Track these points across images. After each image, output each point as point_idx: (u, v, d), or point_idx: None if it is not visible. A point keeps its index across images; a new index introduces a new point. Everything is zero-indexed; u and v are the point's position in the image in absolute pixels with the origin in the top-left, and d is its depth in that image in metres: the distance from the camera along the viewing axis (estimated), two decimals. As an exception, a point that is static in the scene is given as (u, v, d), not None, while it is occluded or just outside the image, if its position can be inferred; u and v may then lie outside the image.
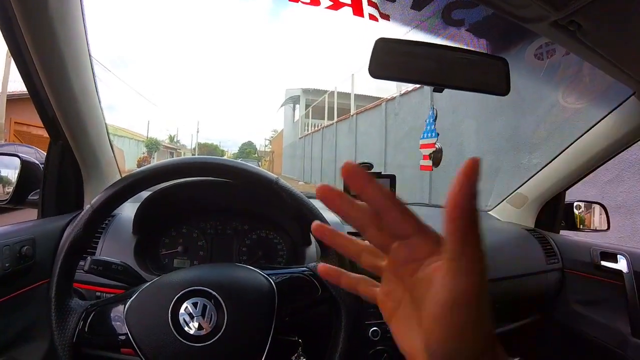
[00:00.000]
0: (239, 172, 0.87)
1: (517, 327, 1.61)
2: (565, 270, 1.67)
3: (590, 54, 0.95)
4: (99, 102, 1.26)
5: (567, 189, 1.78)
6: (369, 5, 1.08)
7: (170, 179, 0.89)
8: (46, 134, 1.23)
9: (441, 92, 1.04)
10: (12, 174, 1.23)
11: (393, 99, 11.31)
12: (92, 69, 1.18)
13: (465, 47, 1.03)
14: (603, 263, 1.52)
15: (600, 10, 0.78)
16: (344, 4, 1.06)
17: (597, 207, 1.87)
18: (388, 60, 0.97)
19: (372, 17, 1.09)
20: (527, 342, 1.80)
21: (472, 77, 1.03)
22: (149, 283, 0.81)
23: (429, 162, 1.58)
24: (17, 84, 13.57)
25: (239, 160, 0.91)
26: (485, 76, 1.03)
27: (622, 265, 1.45)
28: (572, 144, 1.61)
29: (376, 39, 0.94)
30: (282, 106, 33.11)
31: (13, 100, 13.00)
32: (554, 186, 1.76)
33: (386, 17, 1.10)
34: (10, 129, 13.70)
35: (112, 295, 0.98)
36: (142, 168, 0.85)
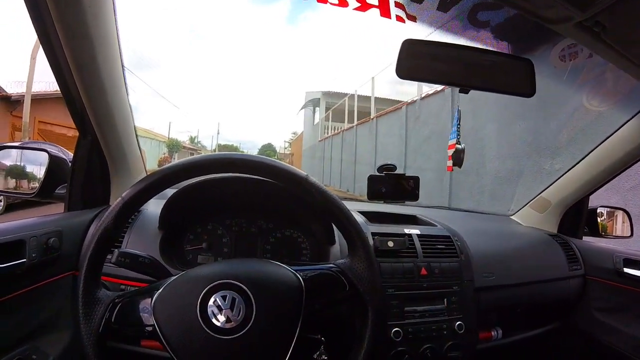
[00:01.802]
0: (269, 168, 0.87)
1: (538, 334, 1.59)
2: (587, 277, 1.65)
3: (614, 56, 0.94)
4: (128, 99, 1.28)
5: (591, 193, 1.75)
6: (396, 6, 1.08)
7: (200, 174, 0.90)
8: (69, 133, 1.26)
9: (467, 93, 1.04)
10: (38, 170, 1.26)
11: (414, 102, 11.24)
12: (123, 66, 1.20)
13: (490, 49, 1.02)
14: (626, 270, 1.50)
15: (625, 10, 0.77)
16: (372, 5, 1.06)
17: (620, 213, 1.84)
18: (415, 61, 0.98)
19: (399, 18, 1.09)
20: (547, 350, 1.78)
21: (497, 78, 1.03)
22: (177, 276, 0.81)
23: (450, 163, 1.58)
24: (41, 85, 13.86)
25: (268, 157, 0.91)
26: (510, 77, 1.03)
27: (645, 272, 1.43)
28: (596, 147, 1.58)
29: (403, 40, 0.94)
30: (302, 109, 33.05)
31: (37, 100, 13.24)
32: (577, 191, 1.74)
33: (413, 18, 1.10)
34: (34, 128, 13.93)
35: (136, 288, 0.99)
36: (172, 163, 0.86)
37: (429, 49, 0.98)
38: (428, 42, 0.97)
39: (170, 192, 1.21)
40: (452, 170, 1.58)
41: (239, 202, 1.38)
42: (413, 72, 0.99)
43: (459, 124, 1.37)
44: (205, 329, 0.72)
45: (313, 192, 0.87)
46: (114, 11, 1.08)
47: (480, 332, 1.38)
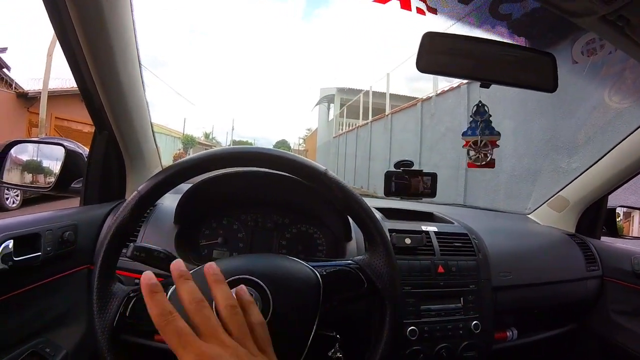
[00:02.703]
0: (288, 162, 0.86)
1: (553, 335, 1.57)
2: (605, 278, 1.62)
3: (638, 51, 0.92)
4: (145, 94, 1.28)
5: (610, 193, 1.72)
6: (417, -2, 1.06)
7: (217, 167, 0.88)
8: (85, 129, 1.27)
9: (488, 87, 1.02)
10: (54, 165, 1.27)
11: (429, 99, 11.18)
12: (139, 61, 1.20)
13: (511, 42, 1.00)
14: (644, 272, 1.47)
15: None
16: (392, -3, 1.04)
17: (638, 214, 1.81)
18: (435, 54, 0.96)
19: (419, 10, 1.07)
20: (562, 352, 1.76)
21: (519, 72, 1.01)
22: (192, 271, 0.81)
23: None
24: (57, 82, 14.02)
25: (286, 151, 0.90)
26: (533, 72, 1.01)
27: (664, 275, 1.40)
28: (615, 146, 1.56)
29: (423, 33, 0.93)
30: (316, 105, 33.12)
31: (53, 97, 13.40)
32: (596, 190, 1.71)
33: (433, 10, 1.08)
34: (50, 124, 14.10)
35: None
36: (188, 157, 0.85)
37: (450, 42, 0.96)
38: (449, 35, 0.96)
39: (185, 186, 1.21)
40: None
41: (255, 196, 1.38)
42: (433, 65, 0.98)
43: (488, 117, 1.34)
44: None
45: (332, 186, 0.86)
46: (131, 6, 1.08)
47: (496, 332, 1.37)
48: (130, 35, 1.11)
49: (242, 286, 0.66)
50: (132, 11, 1.09)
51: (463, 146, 1.32)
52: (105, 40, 1.02)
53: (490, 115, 1.27)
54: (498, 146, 1.30)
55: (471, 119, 1.31)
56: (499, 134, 1.27)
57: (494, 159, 1.28)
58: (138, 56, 1.18)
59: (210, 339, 0.49)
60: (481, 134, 1.25)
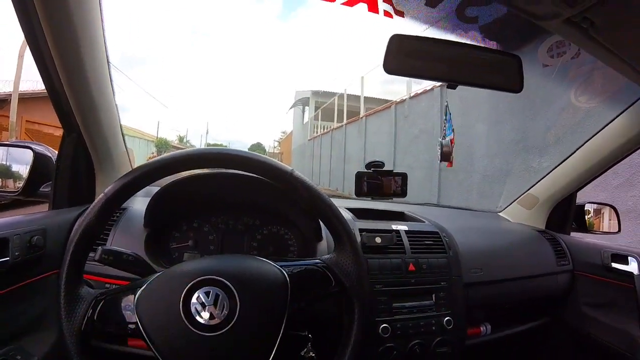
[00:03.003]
0: (255, 163, 0.86)
1: (526, 329, 1.60)
2: (575, 272, 1.66)
3: (603, 52, 0.94)
4: (114, 95, 1.26)
5: (579, 190, 1.77)
6: (384, 1, 1.07)
7: (185, 169, 0.88)
8: (56, 133, 1.24)
9: (455, 88, 1.04)
10: (24, 169, 1.24)
11: (403, 101, 11.27)
12: (108, 62, 1.19)
13: (478, 45, 1.02)
14: (614, 265, 1.51)
15: (614, 7, 0.77)
16: (360, 0, 1.05)
17: (607, 210, 1.86)
18: (402, 56, 0.97)
19: (387, 13, 1.08)
20: (536, 345, 1.79)
21: (485, 74, 1.03)
22: (160, 272, 0.81)
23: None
24: (29, 84, 13.71)
25: (252, 152, 0.90)
26: (499, 73, 1.03)
27: (633, 267, 1.43)
28: (583, 144, 1.59)
29: (391, 35, 0.94)
30: (291, 108, 33.04)
31: (25, 99, 13.08)
32: (565, 187, 1.75)
33: (400, 13, 1.10)
34: (21, 127, 13.79)
35: (119, 285, 0.98)
36: (156, 158, 0.85)
37: (418, 45, 0.97)
38: (416, 38, 0.97)
39: (155, 189, 1.20)
40: (452, 165, 1.58)
41: (225, 199, 1.37)
42: (401, 67, 0.98)
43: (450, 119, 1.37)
44: (189, 326, 0.70)
45: (298, 187, 0.87)
46: (100, 7, 1.07)
47: (470, 328, 1.39)
48: (99, 35, 1.10)
49: None
50: (100, 11, 1.08)
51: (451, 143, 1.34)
52: (72, 40, 1.01)
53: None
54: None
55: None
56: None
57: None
58: (107, 56, 1.17)
59: None
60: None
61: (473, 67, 1.02)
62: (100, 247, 0.86)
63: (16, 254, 0.97)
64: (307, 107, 28.53)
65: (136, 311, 0.74)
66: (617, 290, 1.51)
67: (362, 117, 15.08)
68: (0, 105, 13.47)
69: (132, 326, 0.75)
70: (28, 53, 1.04)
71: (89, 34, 1.05)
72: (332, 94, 22.12)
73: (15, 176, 1.26)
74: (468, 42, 1.04)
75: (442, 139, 1.55)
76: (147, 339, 0.72)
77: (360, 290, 0.87)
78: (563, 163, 1.71)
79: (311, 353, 0.92)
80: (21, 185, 1.23)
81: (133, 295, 0.77)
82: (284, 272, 0.83)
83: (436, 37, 1.00)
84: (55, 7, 0.92)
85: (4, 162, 1.28)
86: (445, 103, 1.27)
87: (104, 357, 1.14)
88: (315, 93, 26.16)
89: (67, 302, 0.76)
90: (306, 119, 28.88)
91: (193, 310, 0.72)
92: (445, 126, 1.37)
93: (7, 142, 1.37)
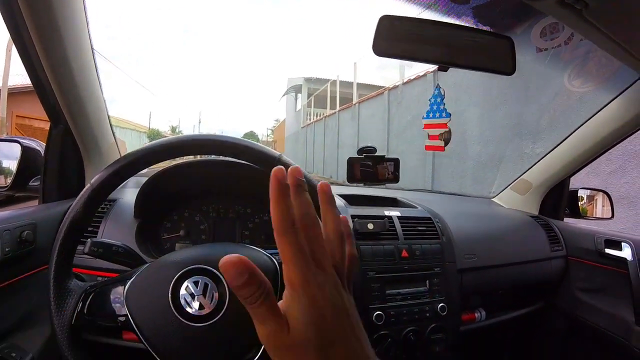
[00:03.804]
0: (242, 148, 0.86)
1: (521, 314, 1.60)
2: (569, 258, 1.67)
3: (596, 35, 0.93)
4: (100, 86, 1.24)
5: (572, 175, 1.77)
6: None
7: (172, 156, 0.87)
8: (48, 127, 1.22)
9: (446, 70, 1.02)
10: (14, 165, 1.23)
11: (396, 87, 11.25)
12: (93, 52, 1.17)
13: (470, 26, 1.00)
14: (607, 251, 1.51)
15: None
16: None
17: (601, 195, 1.86)
18: (392, 38, 0.96)
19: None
20: (530, 330, 1.80)
21: (477, 56, 1.02)
22: (149, 264, 0.80)
23: (439, 143, 1.58)
24: (19, 78, 13.57)
25: (239, 138, 0.89)
26: (491, 55, 1.02)
27: (626, 253, 1.44)
28: (577, 129, 1.59)
29: (380, 16, 0.92)
30: (284, 95, 32.95)
31: (14, 94, 12.94)
32: (558, 172, 1.75)
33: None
34: (12, 123, 13.68)
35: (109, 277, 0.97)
36: (143, 146, 0.83)
37: (408, 26, 0.96)
38: (407, 19, 0.95)
39: (145, 180, 1.19)
40: (444, 150, 1.57)
41: (215, 187, 1.37)
42: (391, 49, 0.97)
43: (443, 102, 1.35)
44: (178, 316, 0.69)
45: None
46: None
47: (464, 314, 1.39)
48: (82, 23, 1.08)
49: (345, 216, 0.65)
50: (84, 1, 1.06)
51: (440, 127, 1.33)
52: (55, 30, 0.99)
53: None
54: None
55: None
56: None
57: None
58: (91, 46, 1.15)
59: (317, 263, 0.44)
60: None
61: (465, 48, 1.01)
62: (89, 240, 0.85)
63: (6, 249, 0.95)
64: (299, 95, 28.46)
65: (126, 303, 0.73)
66: (610, 275, 1.51)
67: (355, 104, 15.08)
68: (-11, 101, 13.35)
69: (122, 319, 0.73)
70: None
71: (71, 22, 1.03)
72: (325, 81, 22.13)
73: (5, 171, 1.25)
74: (460, 23, 1.03)
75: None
76: (137, 331, 0.71)
77: (351, 276, 0.86)
78: (556, 148, 1.70)
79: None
80: (10, 180, 1.21)
81: (122, 287, 0.75)
82: (274, 259, 0.82)
83: (427, 18, 0.98)
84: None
85: (-7, 158, 1.27)
86: (437, 85, 1.25)
87: (97, 351, 1.13)
88: (308, 80, 26.11)
89: (57, 296, 0.75)
90: (299, 106, 28.83)
91: (182, 301, 0.71)
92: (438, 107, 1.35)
93: (-7, 138, 1.36)
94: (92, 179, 0.79)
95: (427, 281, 1.26)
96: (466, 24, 0.99)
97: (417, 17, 0.97)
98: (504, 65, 1.01)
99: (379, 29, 0.93)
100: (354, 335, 0.43)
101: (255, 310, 0.41)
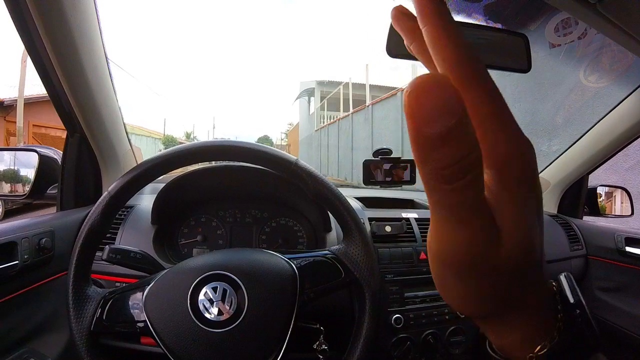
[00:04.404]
0: (259, 154, 0.85)
1: None
2: (589, 257, 1.64)
3: (611, 29, 0.91)
4: (115, 93, 1.26)
5: (590, 172, 1.74)
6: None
7: (187, 163, 0.87)
8: (64, 135, 1.24)
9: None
10: (31, 173, 1.24)
11: (408, 87, 11.24)
12: (107, 61, 1.18)
13: (483, 24, 0.99)
14: (628, 249, 1.49)
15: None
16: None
17: (620, 192, 1.83)
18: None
19: (388, -6, 1.05)
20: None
21: (492, 54, 1.00)
22: (167, 269, 0.80)
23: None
24: (34, 88, 13.77)
25: (256, 143, 0.89)
26: (506, 53, 1.00)
27: (647, 250, 1.41)
28: (594, 125, 1.57)
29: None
30: (297, 99, 33.00)
31: (30, 104, 13.13)
32: (576, 170, 1.72)
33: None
34: (28, 132, 13.88)
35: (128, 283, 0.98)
36: (158, 153, 0.83)
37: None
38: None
39: (161, 186, 1.20)
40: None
41: (232, 192, 1.37)
42: (404, 50, 0.96)
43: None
44: (197, 322, 0.69)
45: (304, 176, 0.85)
46: (95, 6, 1.06)
47: (483, 316, 1.37)
48: (95, 33, 1.09)
49: None
50: (96, 9, 1.07)
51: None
52: (69, 40, 1.00)
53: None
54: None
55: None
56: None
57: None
58: (105, 54, 1.16)
59: None
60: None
61: (478, 47, 1.00)
62: (107, 246, 0.86)
63: (25, 257, 0.97)
64: (312, 98, 28.54)
65: (144, 309, 0.73)
66: (631, 274, 1.49)
67: (368, 105, 15.06)
68: (7, 111, 13.57)
69: (141, 324, 0.74)
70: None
71: (85, 32, 1.04)
72: (337, 83, 22.18)
73: (23, 180, 1.27)
74: (473, 21, 1.02)
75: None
76: (156, 336, 0.71)
77: (371, 280, 0.85)
78: (573, 146, 1.68)
79: (323, 345, 0.91)
80: (29, 188, 1.23)
81: (141, 293, 0.76)
82: (292, 264, 0.82)
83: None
84: (49, 8, 0.92)
85: (11, 167, 1.29)
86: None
87: (115, 356, 1.14)
88: (320, 83, 26.15)
89: (75, 302, 0.76)
90: (312, 109, 28.88)
91: (201, 306, 0.71)
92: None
93: (11, 147, 1.38)
94: (110, 187, 0.80)
95: None
96: (478, 22, 0.98)
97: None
98: (519, 62, 1.00)
99: (391, 30, 0.92)
100: None
101: (451, 197, 0.23)
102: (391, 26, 0.94)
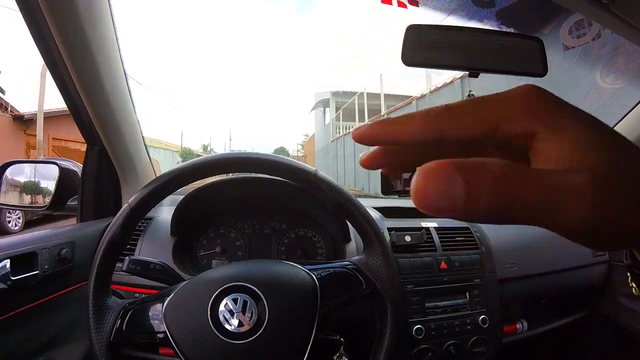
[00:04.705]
0: (277, 165, 0.85)
1: (564, 324, 1.55)
2: (612, 263, 1.61)
3: (625, 29, 0.90)
4: (133, 106, 1.28)
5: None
6: (396, -9, 1.04)
7: (207, 175, 0.87)
8: (83, 148, 1.26)
9: (477, 76, 1.01)
10: (52, 185, 1.27)
11: (423, 96, 11.21)
12: (125, 73, 1.20)
13: (497, 29, 0.99)
14: (652, 253, 1.45)
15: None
16: (373, -9, 1.03)
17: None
18: (421, 47, 0.94)
19: (400, 4, 1.05)
20: (573, 339, 1.74)
21: (507, 59, 1.00)
22: (187, 281, 0.80)
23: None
24: (53, 102, 14.03)
25: (274, 154, 0.89)
26: (521, 57, 1.00)
27: (673, 253, 1.38)
28: (613, 127, 1.54)
29: (407, 26, 0.92)
30: (312, 110, 33.04)
31: (50, 117, 13.40)
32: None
33: (415, 3, 1.07)
34: (48, 145, 14.12)
35: (148, 294, 0.99)
36: (178, 166, 0.84)
37: (435, 34, 0.95)
38: (433, 27, 0.94)
39: (180, 198, 1.21)
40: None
41: (250, 203, 1.37)
42: (419, 58, 0.95)
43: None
44: (217, 333, 0.69)
45: (323, 187, 0.84)
46: (112, 19, 1.08)
47: (505, 326, 1.35)
48: (113, 47, 1.11)
49: None
50: (113, 23, 1.09)
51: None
52: (88, 54, 1.02)
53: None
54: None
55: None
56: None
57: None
58: (123, 68, 1.18)
59: None
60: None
61: (493, 53, 0.99)
62: (127, 258, 0.86)
63: (45, 267, 0.99)
64: (327, 109, 28.54)
65: (164, 320, 0.74)
66: None
67: (383, 115, 15.04)
68: (27, 125, 13.82)
69: (160, 335, 0.74)
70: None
71: (103, 47, 1.06)
72: (352, 94, 22.18)
73: (43, 191, 1.29)
74: (486, 27, 1.01)
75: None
76: (176, 348, 0.71)
77: (392, 291, 0.84)
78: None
79: (344, 357, 0.90)
80: (49, 200, 1.25)
81: (161, 304, 0.76)
82: (313, 275, 0.81)
83: (452, 25, 0.97)
84: (68, 24, 0.94)
85: (32, 179, 1.31)
86: (469, 91, 1.22)
87: None
88: (335, 94, 26.17)
89: (95, 313, 0.76)
90: (327, 120, 28.89)
91: (221, 318, 0.70)
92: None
93: (32, 159, 1.41)
94: (130, 199, 0.80)
95: (467, 293, 1.24)
96: (493, 28, 0.98)
97: (442, 24, 0.96)
98: (535, 67, 0.99)
99: (406, 39, 0.92)
100: None
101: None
102: (405, 35, 0.94)
